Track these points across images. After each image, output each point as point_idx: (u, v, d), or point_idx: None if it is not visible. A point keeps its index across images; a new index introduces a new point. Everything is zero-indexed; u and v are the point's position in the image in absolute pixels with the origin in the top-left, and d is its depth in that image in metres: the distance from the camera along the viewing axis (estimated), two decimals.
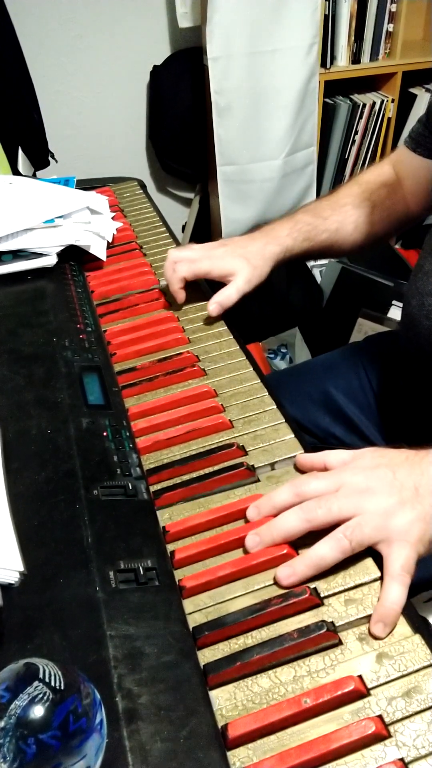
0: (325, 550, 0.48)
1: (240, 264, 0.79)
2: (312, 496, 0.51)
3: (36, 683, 0.35)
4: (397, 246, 2.35)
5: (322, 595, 0.47)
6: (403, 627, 0.45)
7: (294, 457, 0.59)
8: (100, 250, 0.90)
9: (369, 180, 0.93)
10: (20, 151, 1.56)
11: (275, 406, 0.65)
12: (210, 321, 0.78)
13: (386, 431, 0.93)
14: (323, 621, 0.45)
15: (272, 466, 0.59)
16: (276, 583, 0.49)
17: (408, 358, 0.87)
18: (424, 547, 0.49)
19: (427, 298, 0.78)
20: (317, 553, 0.48)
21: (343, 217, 0.90)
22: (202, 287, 0.83)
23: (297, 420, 0.64)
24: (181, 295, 0.80)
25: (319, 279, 2.10)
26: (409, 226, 0.96)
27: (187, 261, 0.79)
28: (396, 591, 0.46)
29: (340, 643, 0.45)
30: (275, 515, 0.52)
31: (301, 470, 0.58)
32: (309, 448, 0.60)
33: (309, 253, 0.89)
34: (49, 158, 1.71)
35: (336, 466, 0.54)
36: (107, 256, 0.91)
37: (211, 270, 0.79)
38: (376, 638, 0.45)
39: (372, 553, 0.50)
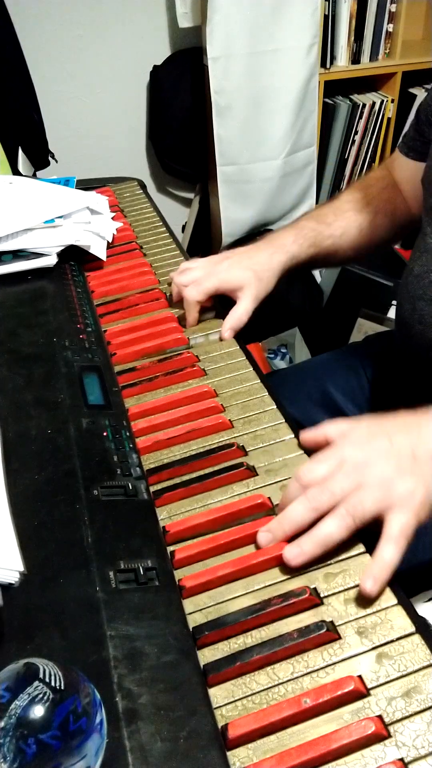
0: (332, 528, 0.48)
1: (247, 276, 0.78)
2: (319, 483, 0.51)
3: (36, 683, 0.35)
4: (396, 246, 2.35)
5: (321, 595, 0.47)
6: (403, 620, 0.45)
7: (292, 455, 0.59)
8: (100, 250, 0.90)
9: (369, 185, 0.93)
10: (20, 151, 1.56)
11: (275, 406, 0.65)
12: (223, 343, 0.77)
13: None
14: (323, 621, 0.45)
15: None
16: (283, 563, 0.49)
17: (404, 359, 0.87)
18: (424, 513, 0.49)
19: (418, 302, 0.78)
20: (324, 531, 0.48)
21: (347, 222, 0.90)
22: None
23: (296, 420, 0.64)
24: (195, 320, 0.78)
25: (318, 279, 2.10)
26: (412, 228, 0.96)
27: (195, 284, 0.78)
28: (390, 551, 0.47)
29: (340, 637, 0.45)
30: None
31: (306, 448, 0.59)
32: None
33: (314, 260, 0.88)
34: (49, 158, 1.71)
35: (336, 439, 0.55)
36: (107, 256, 0.91)
37: (219, 286, 0.78)
38: (364, 594, 0.46)
39: (370, 551, 0.50)
